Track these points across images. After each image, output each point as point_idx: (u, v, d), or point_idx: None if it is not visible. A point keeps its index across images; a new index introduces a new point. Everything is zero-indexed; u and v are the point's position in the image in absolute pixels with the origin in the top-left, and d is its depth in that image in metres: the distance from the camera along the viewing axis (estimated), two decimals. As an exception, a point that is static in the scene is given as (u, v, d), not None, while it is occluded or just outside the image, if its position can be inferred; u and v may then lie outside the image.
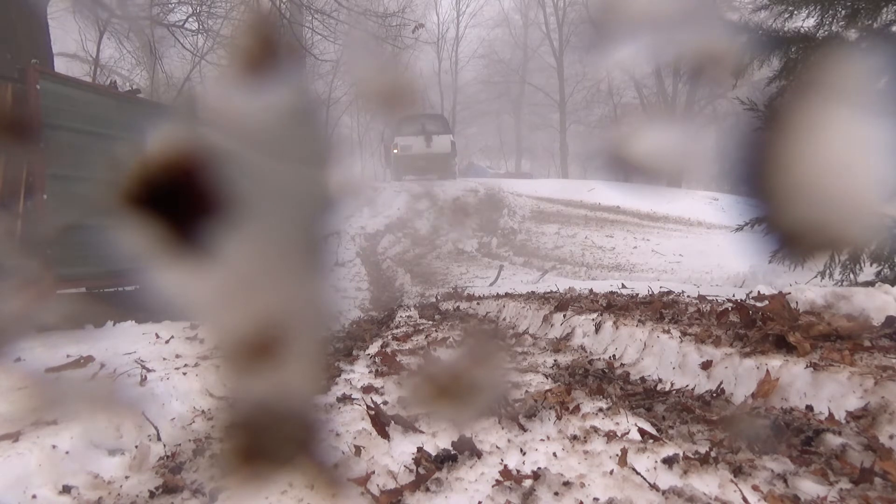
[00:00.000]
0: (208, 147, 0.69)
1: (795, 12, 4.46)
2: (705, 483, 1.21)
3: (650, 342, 2.46)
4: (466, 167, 25.21)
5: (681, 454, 1.31)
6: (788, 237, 0.80)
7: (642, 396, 2.01)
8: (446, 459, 1.34)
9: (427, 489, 1.22)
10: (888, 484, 1.19)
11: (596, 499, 1.16)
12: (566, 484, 1.20)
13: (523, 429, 1.54)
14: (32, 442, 1.43)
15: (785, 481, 1.24)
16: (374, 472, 1.31)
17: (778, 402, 1.72)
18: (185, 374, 2.12)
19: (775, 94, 4.30)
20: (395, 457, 1.40)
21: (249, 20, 0.77)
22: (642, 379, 2.27)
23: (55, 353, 2.35)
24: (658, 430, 1.58)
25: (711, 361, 2.04)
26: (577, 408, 1.69)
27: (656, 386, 2.16)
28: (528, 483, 1.22)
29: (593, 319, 3.05)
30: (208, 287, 0.69)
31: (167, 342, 2.77)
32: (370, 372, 2.35)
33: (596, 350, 2.80)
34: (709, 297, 3.58)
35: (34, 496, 1.32)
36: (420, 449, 1.41)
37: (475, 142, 31.41)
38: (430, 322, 4.26)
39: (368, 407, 1.60)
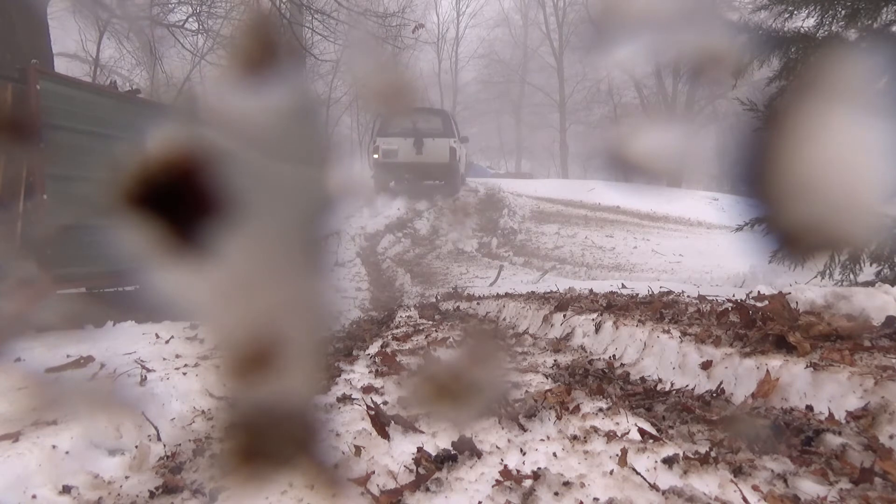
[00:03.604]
0: (208, 147, 0.69)
1: (795, 12, 4.47)
2: (705, 483, 1.21)
3: (650, 342, 2.46)
4: (466, 167, 25.02)
5: (681, 454, 1.31)
6: (788, 237, 0.80)
7: (642, 396, 2.01)
8: (446, 459, 1.34)
9: (427, 489, 1.22)
10: (888, 484, 1.19)
11: (596, 499, 1.16)
12: (566, 484, 1.20)
13: (523, 429, 1.54)
14: (32, 442, 1.43)
15: (785, 481, 1.24)
16: (374, 472, 1.31)
17: (778, 402, 1.72)
18: (185, 374, 2.12)
19: (775, 94, 4.30)
20: (395, 457, 1.40)
21: (249, 20, 0.77)
22: (642, 379, 2.27)
23: (55, 353, 2.35)
24: (658, 430, 1.58)
25: (711, 361, 2.04)
26: (577, 408, 1.69)
27: (656, 386, 2.16)
28: (528, 483, 1.22)
29: (593, 319, 3.05)
30: (208, 287, 0.69)
31: (167, 342, 2.77)
32: (370, 372, 2.35)
33: (596, 350, 2.80)
34: (709, 297, 3.58)
35: (34, 496, 1.32)
36: (420, 449, 1.41)
37: (475, 142, 31.39)
38: (430, 322, 4.26)
39: (368, 407, 1.60)
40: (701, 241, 11.20)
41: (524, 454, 1.39)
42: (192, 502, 1.31)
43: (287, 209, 0.78)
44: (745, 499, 1.14)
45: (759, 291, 3.12)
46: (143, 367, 2.14)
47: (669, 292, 4.08)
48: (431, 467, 1.31)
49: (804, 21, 4.51)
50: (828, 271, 4.38)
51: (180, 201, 0.67)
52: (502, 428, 1.53)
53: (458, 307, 5.40)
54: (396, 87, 1.32)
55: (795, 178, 0.76)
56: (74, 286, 4.05)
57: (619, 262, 9.76)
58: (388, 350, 2.79)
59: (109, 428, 1.62)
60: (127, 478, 1.48)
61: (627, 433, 1.48)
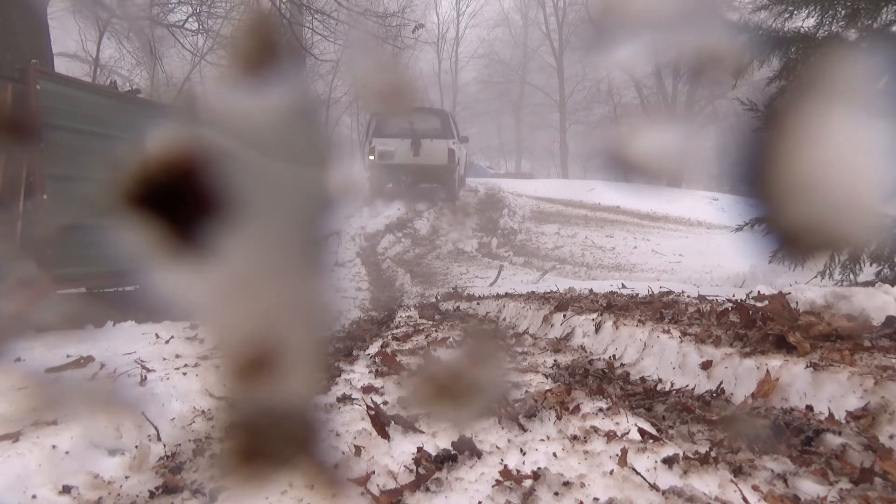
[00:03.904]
0: (208, 147, 0.69)
1: (795, 12, 4.47)
2: (705, 483, 1.21)
3: (650, 342, 2.46)
4: (466, 168, 24.75)
5: (681, 454, 1.31)
6: (788, 237, 0.80)
7: (642, 396, 2.01)
8: (446, 459, 1.34)
9: (427, 489, 1.22)
10: (888, 484, 1.19)
11: (596, 499, 1.16)
12: (566, 484, 1.20)
13: (523, 429, 1.54)
14: (32, 442, 1.43)
15: (785, 481, 1.24)
16: (374, 472, 1.31)
17: (778, 402, 1.72)
18: (185, 374, 2.12)
19: (775, 94, 4.30)
20: (395, 457, 1.40)
21: (249, 20, 0.77)
22: (642, 379, 2.27)
23: (55, 353, 2.34)
24: (658, 430, 1.58)
25: (711, 361, 2.04)
26: (577, 408, 1.69)
27: (656, 386, 2.16)
28: (528, 483, 1.22)
29: (593, 319, 3.05)
30: (208, 287, 0.69)
31: (167, 342, 2.77)
32: (370, 372, 2.35)
33: (596, 350, 2.80)
34: (709, 297, 3.58)
35: (34, 496, 1.32)
36: (420, 449, 1.41)
37: (475, 142, 31.36)
38: (430, 322, 4.26)
39: (368, 407, 1.60)
40: (701, 241, 11.21)
41: (524, 454, 1.39)
42: (192, 502, 1.31)
43: (287, 209, 0.78)
44: (745, 499, 1.14)
45: (759, 291, 3.12)
46: (143, 367, 2.14)
47: (669, 292, 4.08)
48: (431, 467, 1.31)
49: (804, 21, 4.52)
50: (828, 271, 4.38)
51: (180, 201, 0.67)
52: (502, 428, 1.53)
53: (458, 307, 5.40)
54: (396, 87, 1.32)
55: (795, 178, 0.76)
56: (74, 286, 4.05)
57: (619, 262, 9.76)
58: (388, 350, 2.79)
59: (109, 428, 1.61)
60: (127, 478, 1.48)
61: (627, 433, 1.48)
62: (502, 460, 1.35)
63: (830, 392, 1.62)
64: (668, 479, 1.23)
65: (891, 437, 1.39)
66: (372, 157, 12.60)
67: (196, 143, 0.68)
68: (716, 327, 2.41)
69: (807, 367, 1.72)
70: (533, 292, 5.37)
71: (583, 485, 1.20)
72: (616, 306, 3.39)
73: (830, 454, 1.36)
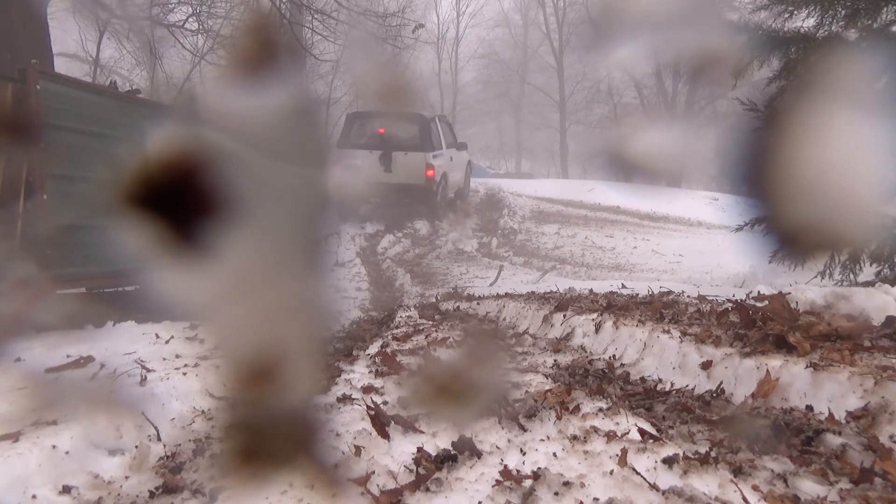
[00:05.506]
0: (208, 147, 0.69)
1: (795, 12, 4.47)
2: (705, 483, 1.21)
3: (650, 342, 2.46)
4: (467, 175, 24.30)
5: (681, 454, 1.31)
6: (788, 237, 0.80)
7: (642, 396, 2.01)
8: (446, 459, 1.34)
9: (427, 489, 1.22)
10: (888, 484, 1.19)
11: (596, 499, 1.16)
12: (566, 484, 1.20)
13: (523, 429, 1.54)
14: (32, 442, 1.43)
15: (785, 481, 1.24)
16: (374, 472, 1.31)
17: (778, 402, 1.72)
18: (185, 374, 2.12)
19: (775, 94, 4.31)
20: (395, 457, 1.40)
21: (249, 20, 0.77)
22: (642, 379, 2.27)
23: (55, 353, 2.34)
24: (658, 430, 1.58)
25: (711, 361, 2.04)
26: (577, 408, 1.69)
27: (656, 386, 2.16)
28: (528, 483, 1.22)
29: (593, 319, 3.05)
30: (208, 287, 0.69)
31: (167, 342, 2.76)
32: (370, 372, 2.35)
33: (596, 350, 2.80)
34: (709, 297, 3.58)
35: (34, 496, 1.32)
36: (420, 449, 1.41)
37: (475, 142, 31.32)
38: (430, 322, 4.26)
39: (368, 407, 1.60)
40: (701, 241, 11.20)
41: (524, 454, 1.39)
42: (192, 502, 1.31)
43: (287, 209, 0.78)
44: (745, 499, 1.14)
45: (759, 291, 3.11)
46: (143, 367, 2.14)
47: (669, 292, 4.08)
48: (431, 467, 1.31)
49: (804, 21, 4.52)
50: (828, 271, 4.39)
51: (180, 201, 0.67)
52: (502, 428, 1.53)
53: (458, 307, 5.40)
54: (395, 88, 1.32)
55: (795, 178, 0.76)
56: (74, 286, 4.05)
57: (619, 262, 9.76)
58: (388, 350, 2.79)
59: (109, 428, 1.62)
60: (127, 478, 1.48)
61: (627, 433, 1.48)
62: (502, 460, 1.35)
63: (830, 392, 1.62)
64: (668, 479, 1.23)
65: (891, 437, 1.39)
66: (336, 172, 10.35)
67: (196, 144, 0.68)
68: (716, 327, 2.41)
69: (807, 367, 1.72)
70: (533, 292, 5.37)
71: (583, 485, 1.20)
72: (616, 306, 3.39)
73: (830, 454, 1.36)
